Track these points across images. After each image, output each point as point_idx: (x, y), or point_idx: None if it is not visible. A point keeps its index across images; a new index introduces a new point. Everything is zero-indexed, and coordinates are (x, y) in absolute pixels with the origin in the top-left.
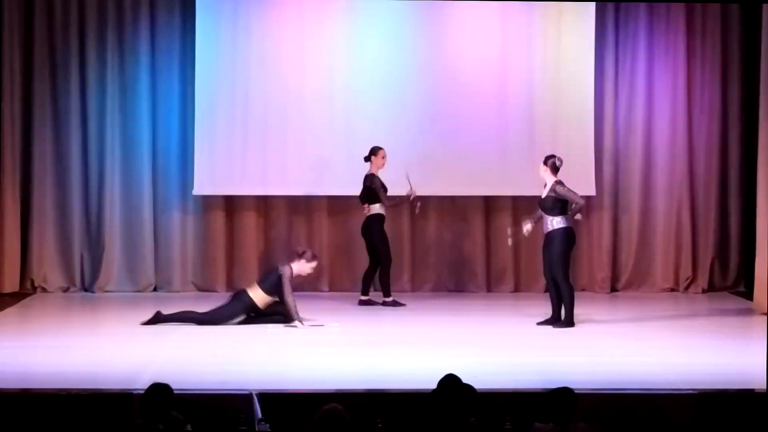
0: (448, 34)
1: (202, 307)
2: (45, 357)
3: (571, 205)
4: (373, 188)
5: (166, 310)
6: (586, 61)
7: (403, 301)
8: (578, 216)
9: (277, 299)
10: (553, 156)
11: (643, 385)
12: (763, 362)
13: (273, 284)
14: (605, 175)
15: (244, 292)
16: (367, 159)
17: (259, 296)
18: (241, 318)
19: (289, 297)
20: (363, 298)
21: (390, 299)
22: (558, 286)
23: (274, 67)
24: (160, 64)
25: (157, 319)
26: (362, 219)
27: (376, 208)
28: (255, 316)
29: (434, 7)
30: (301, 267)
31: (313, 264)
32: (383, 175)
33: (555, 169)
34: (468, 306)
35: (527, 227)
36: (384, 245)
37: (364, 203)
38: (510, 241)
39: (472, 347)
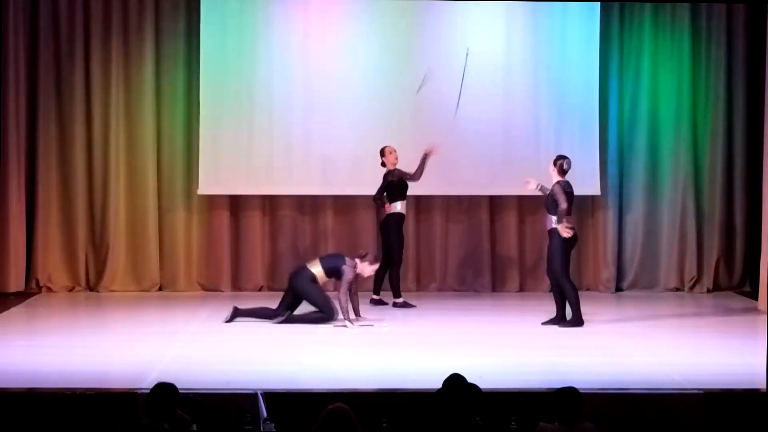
0: (453, 33)
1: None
2: (50, 356)
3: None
4: (394, 181)
5: (174, 310)
6: (591, 60)
7: (409, 302)
8: (563, 227)
9: (332, 279)
10: (562, 157)
11: (648, 384)
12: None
13: (333, 269)
14: (610, 174)
15: (305, 268)
16: (382, 164)
17: (319, 272)
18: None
19: (343, 296)
20: (375, 297)
21: (400, 300)
22: (561, 285)
23: (280, 67)
24: (165, 64)
25: (236, 314)
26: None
27: (397, 207)
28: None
29: (439, 6)
30: (364, 268)
31: (375, 266)
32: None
33: (561, 171)
34: (473, 306)
35: (532, 186)
36: (399, 246)
37: (381, 201)
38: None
39: (478, 347)
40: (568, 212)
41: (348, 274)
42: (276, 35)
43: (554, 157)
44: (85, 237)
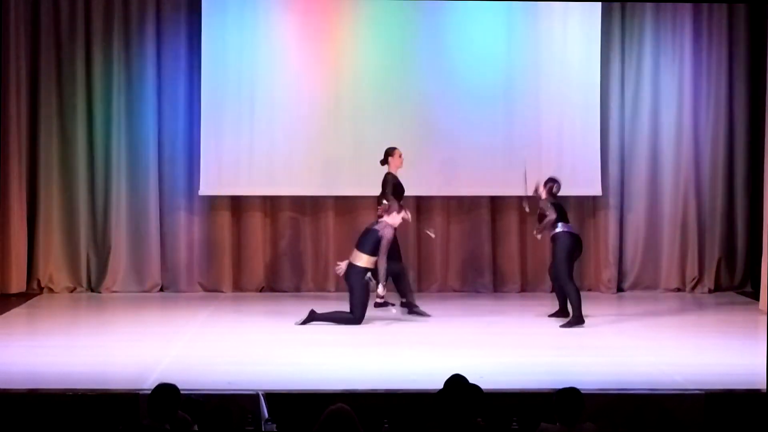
0: (454, 34)
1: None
2: (52, 357)
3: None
4: (391, 183)
5: (174, 310)
6: (592, 60)
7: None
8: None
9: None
10: (552, 181)
11: (650, 385)
12: None
13: (374, 245)
14: (611, 174)
15: (352, 266)
16: (384, 162)
17: (367, 260)
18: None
19: (383, 260)
20: (378, 301)
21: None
22: (564, 288)
23: (281, 67)
24: (167, 64)
25: (311, 317)
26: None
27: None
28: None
29: (441, 7)
30: (395, 218)
31: (402, 211)
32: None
33: (551, 194)
34: (475, 306)
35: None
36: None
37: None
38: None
39: (479, 347)
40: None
41: (387, 234)
42: (277, 35)
43: (546, 179)
44: (86, 238)
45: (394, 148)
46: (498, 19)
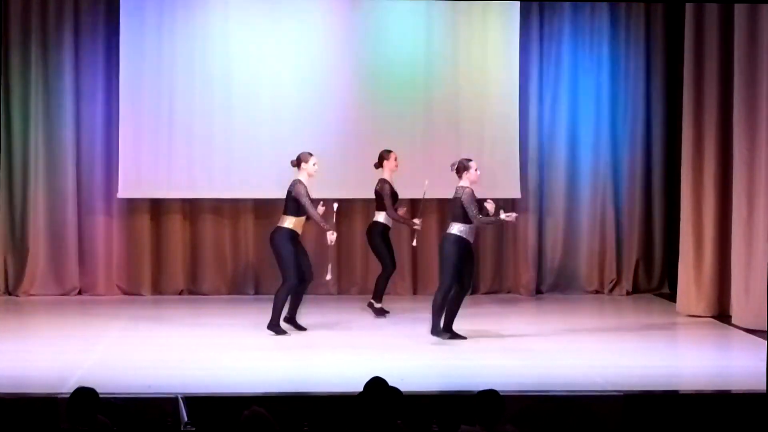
0: (373, 34)
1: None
2: None
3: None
4: (380, 193)
5: (93, 313)
6: (510, 61)
7: (387, 308)
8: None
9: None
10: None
11: (569, 386)
12: (687, 365)
13: (293, 205)
14: (530, 177)
15: (278, 228)
16: (378, 165)
17: (291, 222)
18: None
19: (311, 209)
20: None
21: (378, 306)
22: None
23: (200, 69)
24: (84, 66)
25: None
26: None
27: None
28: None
29: (359, 7)
30: (308, 168)
31: (314, 159)
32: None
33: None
34: (394, 309)
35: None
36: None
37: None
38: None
39: (400, 350)
40: None
41: (298, 189)
42: (196, 37)
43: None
44: (3, 240)
45: (389, 151)
46: (417, 21)
